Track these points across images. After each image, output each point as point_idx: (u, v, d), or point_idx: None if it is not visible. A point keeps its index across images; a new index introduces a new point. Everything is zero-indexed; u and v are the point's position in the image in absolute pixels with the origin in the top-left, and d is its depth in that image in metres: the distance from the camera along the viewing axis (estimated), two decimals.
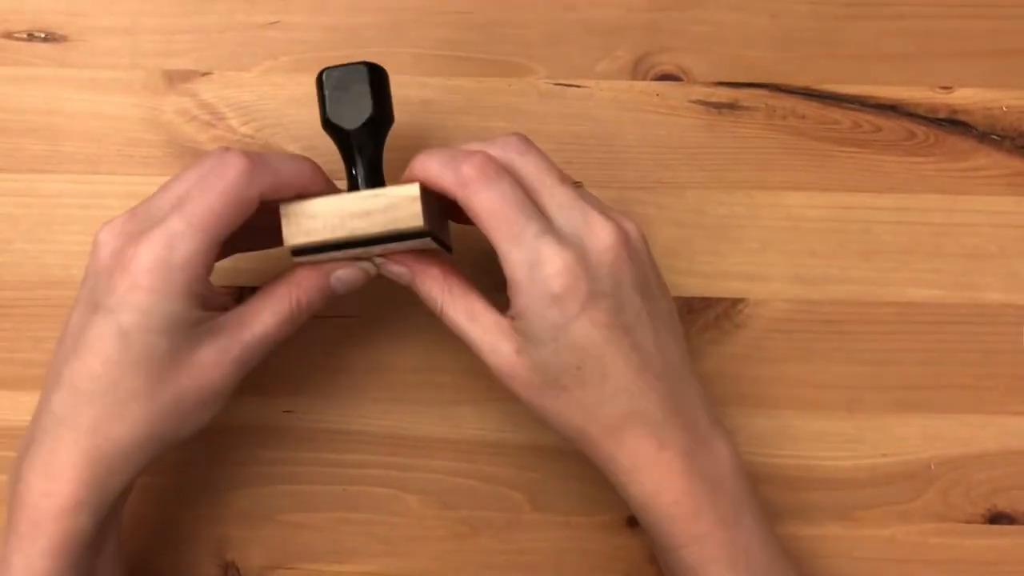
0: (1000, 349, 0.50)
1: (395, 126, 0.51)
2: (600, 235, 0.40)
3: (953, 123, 0.52)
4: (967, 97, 0.52)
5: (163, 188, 0.42)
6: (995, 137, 0.51)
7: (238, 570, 0.49)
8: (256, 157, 0.40)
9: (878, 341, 0.50)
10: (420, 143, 0.51)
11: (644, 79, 0.52)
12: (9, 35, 0.51)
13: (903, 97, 0.52)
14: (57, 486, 0.39)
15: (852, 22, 0.52)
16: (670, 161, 0.51)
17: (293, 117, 0.51)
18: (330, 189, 0.43)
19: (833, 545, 0.49)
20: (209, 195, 0.39)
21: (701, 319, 0.50)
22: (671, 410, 0.41)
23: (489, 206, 0.40)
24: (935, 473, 0.50)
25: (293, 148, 0.51)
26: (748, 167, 0.51)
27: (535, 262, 0.39)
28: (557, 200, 0.41)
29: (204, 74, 0.51)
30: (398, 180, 0.42)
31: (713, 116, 0.51)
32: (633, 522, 0.49)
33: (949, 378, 0.50)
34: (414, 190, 0.40)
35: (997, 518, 0.50)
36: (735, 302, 0.50)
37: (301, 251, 0.42)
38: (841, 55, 0.52)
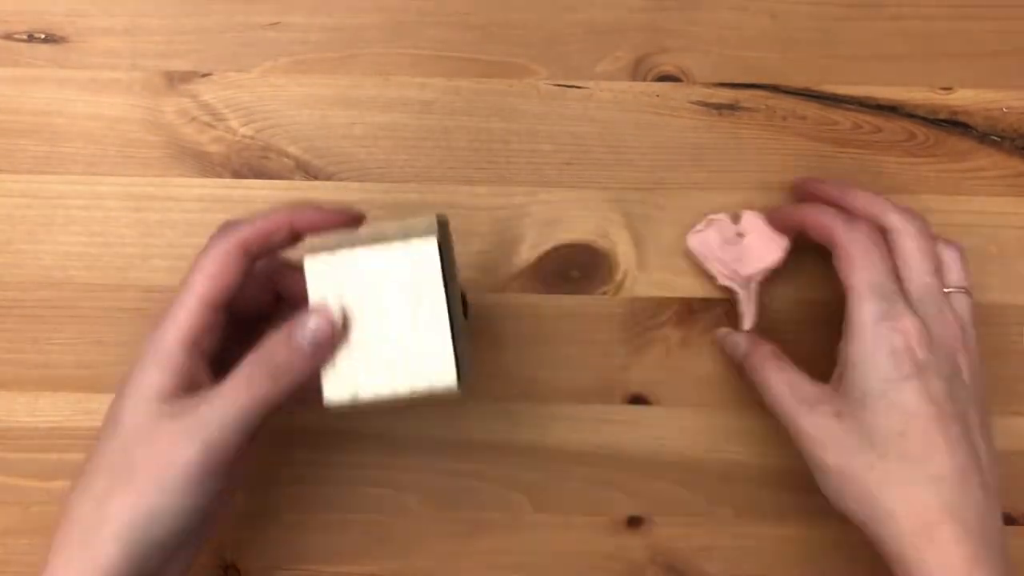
0: (1000, 349, 0.50)
1: (395, 127, 0.51)
2: (945, 325, 0.42)
3: (953, 124, 0.52)
4: (967, 98, 0.52)
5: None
6: (995, 138, 0.51)
7: (238, 570, 0.49)
8: (228, 223, 0.42)
9: None
10: (420, 143, 0.51)
11: (644, 80, 0.52)
12: (9, 36, 0.51)
13: (903, 98, 0.52)
14: (89, 553, 0.38)
15: (852, 22, 0.52)
16: (670, 162, 0.51)
17: (293, 118, 0.51)
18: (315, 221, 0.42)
19: (834, 545, 0.49)
20: (192, 268, 0.41)
21: (701, 320, 0.50)
22: (992, 519, 0.40)
23: (868, 269, 0.42)
24: None
25: (293, 149, 0.51)
26: (748, 168, 0.51)
27: (885, 314, 0.41)
28: (922, 283, 0.43)
29: (204, 75, 0.51)
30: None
31: (713, 117, 0.51)
32: (633, 522, 0.50)
33: None
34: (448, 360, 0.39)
35: None
36: (735, 303, 0.50)
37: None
38: (841, 55, 0.52)
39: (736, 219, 0.50)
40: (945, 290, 0.44)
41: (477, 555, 0.49)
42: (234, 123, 0.51)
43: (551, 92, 0.51)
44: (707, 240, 0.50)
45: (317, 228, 0.42)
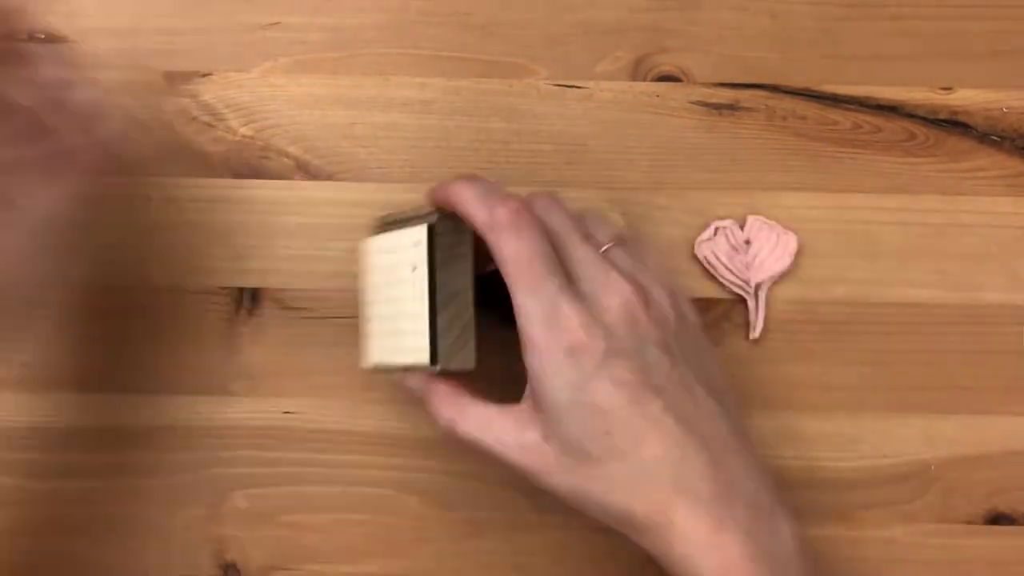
0: (1000, 349, 0.50)
1: (395, 127, 0.51)
2: (616, 293, 0.39)
3: (953, 124, 0.52)
4: (967, 98, 0.52)
5: None
6: (995, 138, 0.51)
7: (238, 570, 0.49)
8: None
9: (878, 341, 0.50)
10: (420, 143, 0.51)
11: (644, 80, 0.52)
12: (9, 36, 0.51)
13: (903, 98, 0.52)
14: None
15: (852, 22, 0.52)
16: (670, 162, 0.51)
17: (293, 118, 0.51)
18: None
19: (833, 546, 0.49)
20: None
21: (702, 319, 0.50)
22: (725, 483, 0.38)
23: (515, 254, 0.39)
24: (935, 474, 0.50)
25: (293, 149, 0.51)
26: (748, 168, 0.51)
27: (551, 315, 0.38)
28: (578, 256, 0.40)
29: (204, 75, 0.51)
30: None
31: (713, 117, 0.51)
32: None
33: (949, 378, 0.50)
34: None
35: (997, 519, 0.50)
36: (735, 303, 0.50)
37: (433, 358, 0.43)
38: (841, 55, 0.52)
39: (741, 224, 0.50)
40: (602, 251, 0.41)
41: (477, 555, 0.49)
42: (234, 123, 0.51)
43: (551, 92, 0.51)
44: (716, 249, 0.50)
45: None
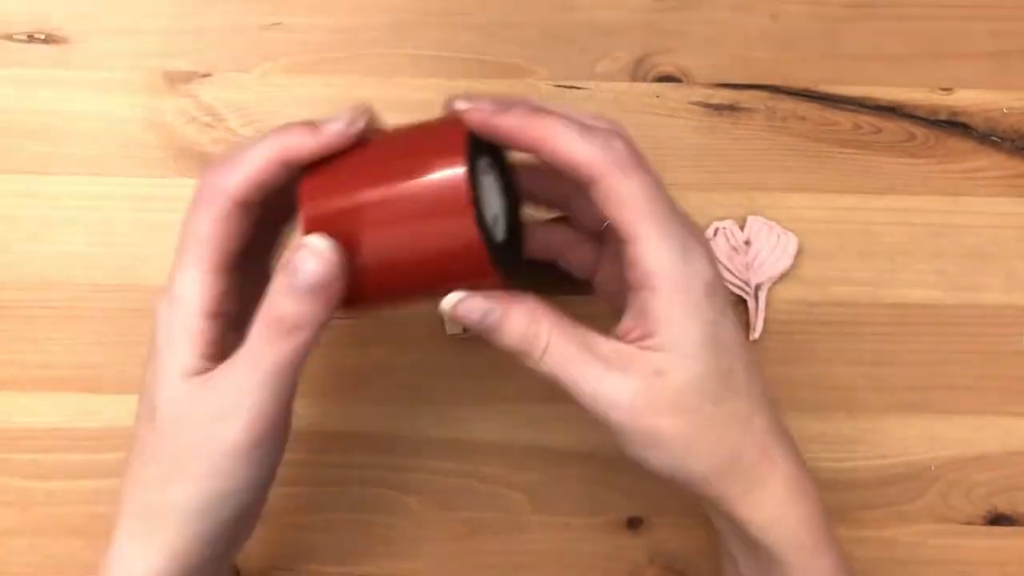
0: (1000, 350, 0.50)
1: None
2: (705, 248, 0.37)
3: (953, 124, 0.52)
4: (967, 99, 0.52)
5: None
6: (995, 139, 0.51)
7: (238, 570, 0.49)
8: (226, 170, 0.37)
9: (878, 341, 0.50)
10: None
11: (644, 80, 0.52)
12: (9, 37, 0.51)
13: (903, 98, 0.52)
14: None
15: (852, 23, 0.52)
16: (670, 163, 0.51)
17: (293, 118, 0.51)
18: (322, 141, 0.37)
19: None
20: (185, 234, 0.38)
21: None
22: (786, 429, 0.38)
23: (645, 189, 0.35)
24: (935, 474, 0.50)
25: None
26: (748, 168, 0.51)
27: (687, 250, 0.35)
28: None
29: (204, 75, 0.51)
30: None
31: (713, 118, 0.51)
32: (633, 522, 0.49)
33: (949, 378, 0.50)
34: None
35: (997, 519, 0.50)
36: (735, 303, 0.50)
37: None
38: (841, 56, 0.52)
39: (741, 224, 0.50)
40: None
41: (477, 555, 0.49)
42: (234, 123, 0.51)
43: (551, 92, 0.51)
44: (716, 249, 0.50)
45: (314, 156, 0.36)
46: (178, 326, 0.36)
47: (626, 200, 0.35)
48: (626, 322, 0.36)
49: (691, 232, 0.36)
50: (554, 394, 0.50)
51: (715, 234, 0.50)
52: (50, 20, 0.51)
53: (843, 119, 0.51)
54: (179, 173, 0.51)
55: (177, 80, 0.51)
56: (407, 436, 0.50)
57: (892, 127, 0.51)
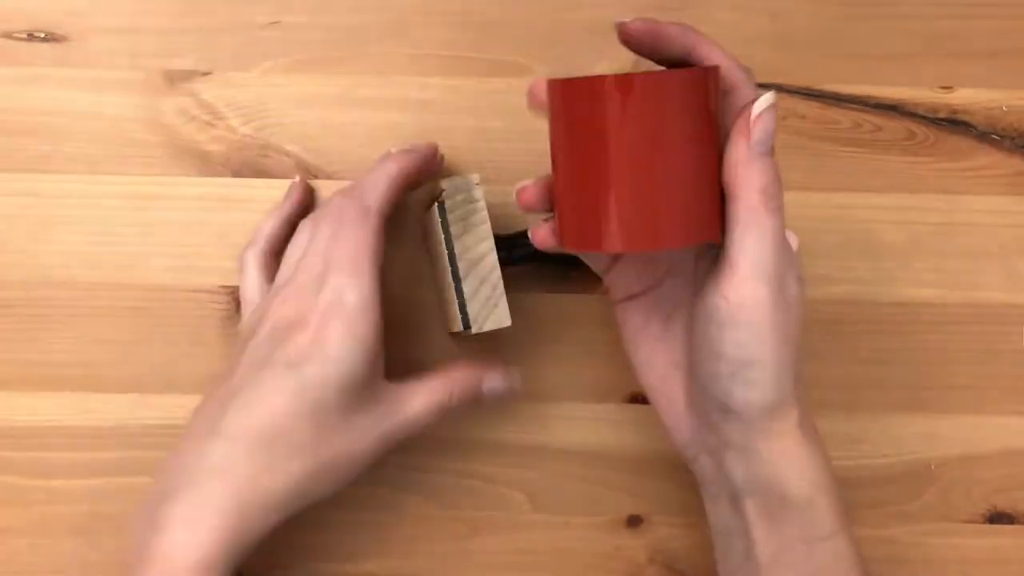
0: (1000, 349, 0.50)
1: (395, 126, 0.51)
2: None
3: (953, 123, 0.52)
4: (967, 97, 0.52)
5: (296, 246, 0.45)
6: (995, 137, 0.51)
7: (239, 571, 0.49)
8: (364, 193, 0.44)
9: (878, 341, 0.50)
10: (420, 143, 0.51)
11: None
12: (9, 35, 0.51)
13: (903, 97, 0.52)
14: (198, 537, 0.39)
15: (852, 22, 0.52)
16: None
17: (293, 117, 0.51)
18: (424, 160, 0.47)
19: None
20: (352, 244, 0.42)
21: None
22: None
23: (772, 183, 0.37)
24: (935, 473, 0.50)
25: (293, 148, 0.51)
26: None
27: (782, 241, 0.38)
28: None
29: (204, 74, 0.51)
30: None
31: None
32: (633, 522, 0.50)
33: (949, 378, 0.50)
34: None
35: (997, 518, 0.50)
36: None
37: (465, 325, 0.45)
38: (841, 55, 0.52)
39: None
40: None
41: (477, 555, 0.49)
42: (234, 122, 0.51)
43: None
44: None
45: (423, 175, 0.47)
46: (356, 338, 0.41)
47: (752, 187, 0.37)
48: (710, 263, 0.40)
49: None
50: (554, 394, 0.50)
51: None
52: (50, 18, 0.51)
53: (843, 118, 0.51)
54: (179, 172, 0.51)
55: (177, 79, 0.51)
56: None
57: (892, 125, 0.51)
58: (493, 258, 0.45)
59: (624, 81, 0.36)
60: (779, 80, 0.52)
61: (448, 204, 0.45)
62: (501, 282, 0.45)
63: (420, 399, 0.43)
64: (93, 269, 0.50)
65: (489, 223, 0.45)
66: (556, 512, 0.50)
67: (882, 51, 0.52)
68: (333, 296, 0.41)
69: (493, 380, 0.45)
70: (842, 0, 0.52)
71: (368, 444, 0.42)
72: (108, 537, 0.49)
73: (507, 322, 0.45)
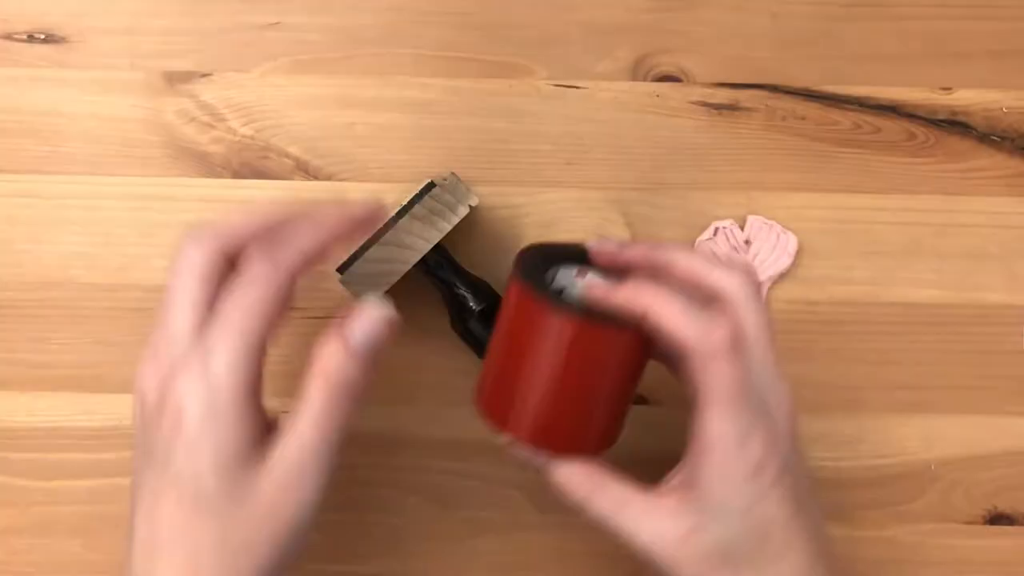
0: (1000, 349, 0.50)
1: (395, 127, 0.51)
2: (785, 400, 0.40)
3: (953, 124, 0.52)
4: (967, 98, 0.52)
5: (170, 310, 0.38)
6: (995, 138, 0.51)
7: None
8: (272, 252, 0.38)
9: (878, 341, 0.50)
10: (420, 143, 0.51)
11: (644, 80, 0.52)
12: (9, 36, 0.51)
13: (903, 98, 0.52)
14: None
15: (852, 23, 0.52)
16: (670, 162, 0.51)
17: (293, 118, 0.51)
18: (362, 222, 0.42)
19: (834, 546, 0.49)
20: (237, 315, 0.37)
21: None
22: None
23: (727, 383, 0.38)
24: (935, 474, 0.50)
25: (293, 149, 0.51)
26: (748, 168, 0.51)
27: (746, 435, 0.38)
28: (760, 358, 0.39)
29: (204, 75, 0.51)
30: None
31: (713, 117, 0.51)
32: None
33: (949, 378, 0.50)
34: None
35: (997, 519, 0.50)
36: None
37: (344, 268, 0.45)
38: (841, 55, 0.52)
39: (741, 224, 0.50)
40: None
41: (477, 555, 0.49)
42: (234, 123, 0.51)
43: (551, 92, 0.51)
44: (716, 249, 0.50)
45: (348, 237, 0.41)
46: (222, 407, 0.36)
47: (709, 383, 0.38)
48: (677, 476, 0.41)
49: (759, 414, 0.38)
50: None
51: (715, 234, 0.50)
52: (50, 20, 0.51)
53: (843, 118, 0.51)
54: (179, 173, 0.51)
55: (177, 80, 0.51)
56: (407, 436, 0.50)
57: (892, 127, 0.51)
58: (414, 259, 0.45)
59: (565, 325, 0.39)
60: (779, 81, 0.52)
61: (434, 192, 0.45)
62: (394, 280, 0.45)
63: (306, 419, 0.37)
64: (93, 269, 0.50)
65: (444, 234, 0.45)
66: (556, 512, 0.50)
67: (882, 52, 0.52)
68: (185, 352, 0.37)
69: (354, 327, 0.38)
70: (842, 1, 0.52)
71: (284, 509, 0.36)
72: (108, 537, 0.49)
73: (373, 307, 0.39)
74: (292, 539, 0.37)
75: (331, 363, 0.38)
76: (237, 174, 0.51)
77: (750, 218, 0.50)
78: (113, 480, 0.49)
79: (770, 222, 0.50)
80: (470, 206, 0.45)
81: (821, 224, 0.51)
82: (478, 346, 0.48)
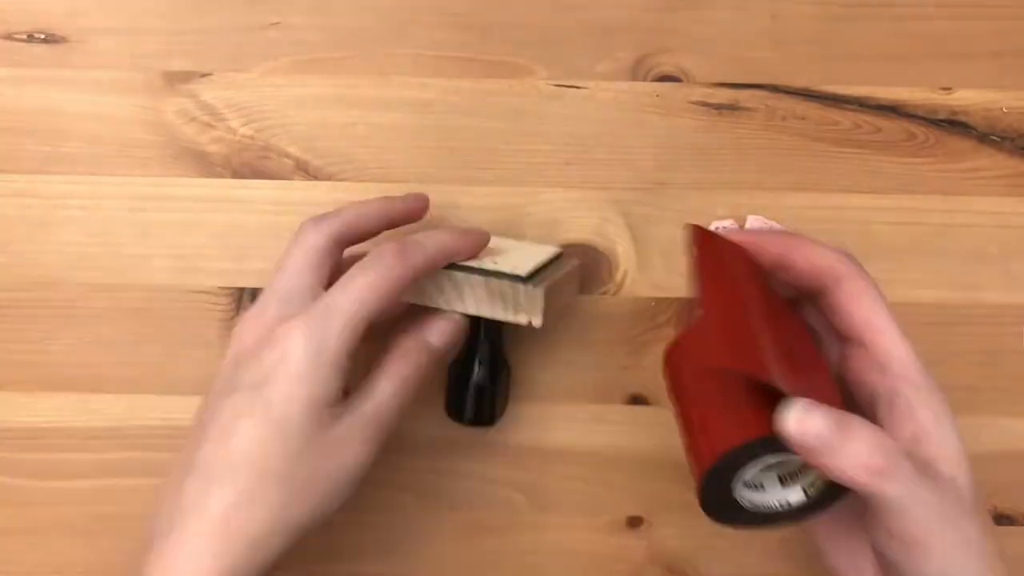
0: (1000, 349, 0.50)
1: (395, 127, 0.51)
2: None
3: (953, 124, 0.52)
4: (967, 98, 0.52)
5: (286, 275, 0.42)
6: (995, 138, 0.51)
7: None
8: (405, 246, 0.42)
9: None
10: (420, 143, 0.51)
11: (644, 80, 0.52)
12: (9, 36, 0.51)
13: (903, 98, 0.52)
14: None
15: (852, 22, 0.52)
16: (670, 162, 0.51)
17: (293, 118, 0.51)
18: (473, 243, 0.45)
19: None
20: (360, 285, 0.40)
21: None
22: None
23: (879, 292, 0.39)
24: None
25: (293, 149, 0.51)
26: (748, 168, 0.51)
27: (942, 510, 0.35)
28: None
29: (204, 75, 0.51)
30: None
31: (713, 117, 0.51)
32: (633, 522, 0.49)
33: (949, 378, 0.49)
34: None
35: (998, 519, 0.50)
36: None
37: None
38: (841, 55, 0.52)
39: (741, 224, 0.50)
40: None
41: (477, 555, 0.49)
42: (234, 123, 0.51)
43: (551, 92, 0.51)
44: None
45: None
46: (327, 356, 0.39)
47: (866, 298, 0.38)
48: (889, 422, 0.37)
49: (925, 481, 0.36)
50: (554, 394, 0.50)
51: None
52: (50, 19, 0.51)
53: (843, 118, 0.51)
54: (179, 173, 0.51)
55: (177, 80, 0.51)
56: (407, 436, 0.50)
57: (892, 127, 0.51)
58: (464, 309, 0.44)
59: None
60: (779, 80, 0.52)
61: (516, 287, 0.43)
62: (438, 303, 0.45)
63: (385, 387, 0.42)
64: (93, 270, 0.50)
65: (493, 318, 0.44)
66: (556, 512, 0.50)
67: (882, 52, 0.52)
68: (300, 308, 0.40)
69: (437, 330, 0.44)
70: (842, 0, 0.52)
71: (349, 456, 0.40)
72: (108, 537, 0.49)
73: (452, 319, 0.45)
74: (345, 486, 0.40)
75: (413, 350, 0.43)
76: (237, 174, 0.51)
77: (750, 218, 0.50)
78: (113, 480, 0.49)
79: (770, 222, 0.50)
80: (531, 323, 0.43)
81: (821, 224, 0.51)
82: (455, 398, 0.48)
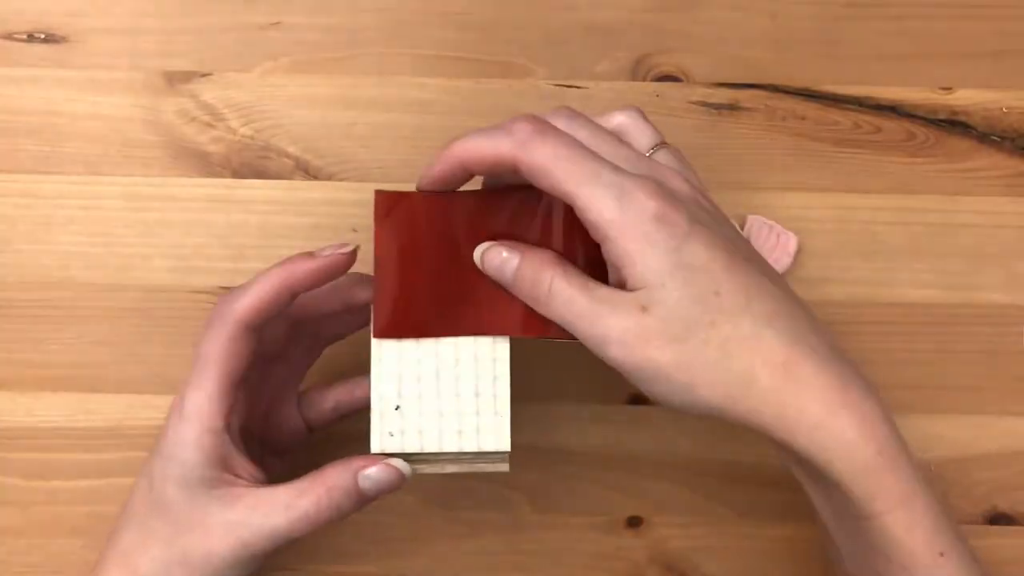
0: (1000, 349, 0.50)
1: (395, 127, 0.51)
2: (676, 180, 0.38)
3: (953, 124, 0.52)
4: (967, 98, 0.52)
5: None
6: (995, 138, 0.51)
7: None
8: (237, 294, 0.40)
9: (878, 341, 0.50)
10: (420, 143, 0.51)
11: (644, 80, 0.52)
12: (9, 36, 0.51)
13: (903, 98, 0.52)
14: None
15: (852, 22, 0.52)
16: None
17: (293, 118, 0.51)
18: (326, 271, 0.41)
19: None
20: (202, 352, 0.40)
21: None
22: (826, 342, 0.37)
23: (555, 151, 0.36)
24: (935, 474, 0.50)
25: (293, 149, 0.51)
26: (748, 168, 0.51)
27: (622, 193, 0.35)
28: (623, 155, 0.38)
29: (204, 75, 0.51)
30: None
31: (713, 117, 0.51)
32: (633, 522, 0.49)
33: (949, 378, 0.50)
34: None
35: (997, 518, 0.50)
36: None
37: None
38: (841, 55, 0.52)
39: (741, 223, 0.50)
40: (647, 155, 0.40)
41: (477, 555, 0.49)
42: (234, 123, 0.51)
43: (551, 92, 0.51)
44: None
45: (313, 285, 0.41)
46: (188, 441, 0.40)
47: (539, 171, 0.36)
48: (611, 277, 0.38)
49: (625, 177, 0.36)
50: (555, 394, 0.50)
51: None
52: (50, 19, 0.51)
53: (843, 118, 0.51)
54: (179, 173, 0.51)
55: (177, 80, 0.51)
56: None
57: (892, 126, 0.51)
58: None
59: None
60: (779, 80, 0.52)
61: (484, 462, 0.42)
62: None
63: (279, 511, 0.39)
64: (93, 269, 0.50)
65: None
66: (556, 512, 0.50)
67: (882, 52, 0.52)
68: (180, 395, 0.41)
69: (374, 479, 0.40)
70: (842, 0, 0.52)
71: (225, 547, 0.39)
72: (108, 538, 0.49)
73: (394, 466, 0.40)
74: (227, 570, 0.40)
75: (338, 489, 0.40)
76: (237, 174, 0.51)
77: (750, 218, 0.50)
78: (113, 480, 0.49)
79: (770, 222, 0.50)
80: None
81: (821, 224, 0.51)
82: None
